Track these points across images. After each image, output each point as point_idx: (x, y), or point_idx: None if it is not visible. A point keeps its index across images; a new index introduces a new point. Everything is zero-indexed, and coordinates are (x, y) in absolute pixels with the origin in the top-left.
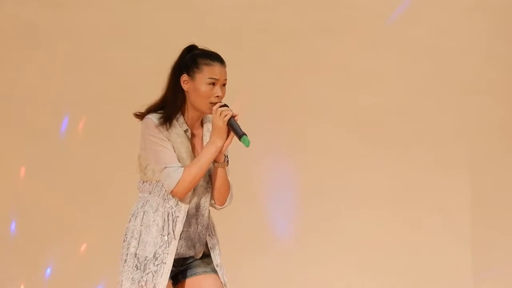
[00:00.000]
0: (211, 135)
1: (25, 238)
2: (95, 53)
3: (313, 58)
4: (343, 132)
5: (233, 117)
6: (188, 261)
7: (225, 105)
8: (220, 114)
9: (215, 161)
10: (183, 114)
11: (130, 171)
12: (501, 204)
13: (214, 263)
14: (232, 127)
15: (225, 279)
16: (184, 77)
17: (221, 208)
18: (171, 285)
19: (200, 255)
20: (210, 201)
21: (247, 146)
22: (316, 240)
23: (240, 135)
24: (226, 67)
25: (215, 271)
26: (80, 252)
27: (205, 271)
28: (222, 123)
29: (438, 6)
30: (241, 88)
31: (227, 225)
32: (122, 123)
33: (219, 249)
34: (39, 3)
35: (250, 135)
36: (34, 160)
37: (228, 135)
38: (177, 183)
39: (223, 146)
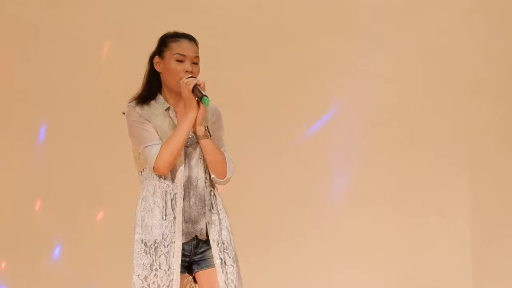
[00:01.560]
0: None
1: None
2: (95, 53)
3: (313, 58)
4: (343, 132)
5: (198, 85)
6: (201, 249)
7: (192, 77)
8: (185, 84)
9: (195, 134)
10: (162, 95)
11: (129, 170)
12: (501, 204)
13: (211, 238)
14: (195, 93)
15: (226, 269)
16: (156, 58)
17: (224, 182)
18: (184, 277)
19: (204, 234)
20: (206, 174)
21: (207, 106)
22: (315, 240)
23: (200, 97)
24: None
25: (231, 263)
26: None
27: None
28: (187, 92)
29: (438, 6)
30: (241, 88)
31: None
32: (122, 123)
33: (222, 226)
34: (39, 3)
35: (250, 135)
36: (34, 160)
37: (199, 105)
38: (156, 159)
39: (196, 116)
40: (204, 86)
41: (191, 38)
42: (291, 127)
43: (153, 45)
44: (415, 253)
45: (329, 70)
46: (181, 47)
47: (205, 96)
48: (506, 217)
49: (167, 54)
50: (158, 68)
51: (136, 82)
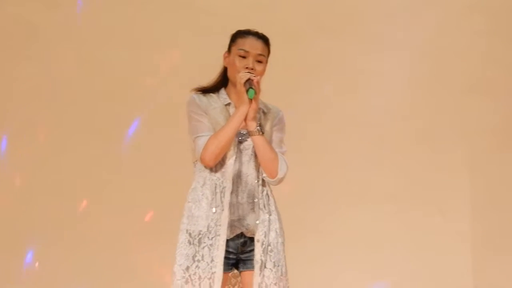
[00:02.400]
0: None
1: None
2: (94, 53)
3: (313, 58)
4: (343, 132)
5: (250, 80)
6: (249, 248)
7: (248, 73)
8: (239, 78)
9: (247, 129)
10: (226, 90)
11: (128, 169)
12: (501, 204)
13: (256, 238)
14: (245, 87)
15: (264, 272)
16: (225, 53)
17: (275, 182)
18: (227, 276)
19: (250, 231)
20: (259, 172)
21: (250, 98)
22: (315, 240)
23: (247, 89)
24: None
25: (271, 267)
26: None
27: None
28: (240, 86)
29: (438, 6)
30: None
31: None
32: (122, 123)
33: (271, 228)
34: (39, 3)
35: None
36: (34, 160)
37: (251, 101)
38: (202, 149)
39: (247, 111)
40: (258, 82)
41: (259, 36)
42: (290, 127)
43: (153, 45)
44: (415, 253)
45: (329, 70)
46: (246, 43)
47: (251, 88)
48: (506, 217)
49: (233, 49)
50: (225, 62)
51: (136, 82)
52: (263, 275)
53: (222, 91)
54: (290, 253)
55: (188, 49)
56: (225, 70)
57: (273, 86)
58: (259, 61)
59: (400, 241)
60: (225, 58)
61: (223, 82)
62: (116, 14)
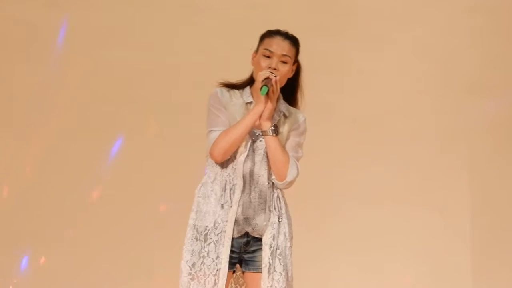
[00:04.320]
0: None
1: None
2: (94, 53)
3: (313, 58)
4: (343, 132)
5: (268, 78)
6: (252, 249)
7: (269, 73)
8: (258, 76)
9: (261, 129)
10: (251, 89)
11: (128, 168)
12: (501, 204)
13: (264, 241)
14: (262, 84)
15: (273, 276)
16: (253, 54)
17: (283, 185)
18: (231, 274)
19: (257, 232)
20: (270, 174)
21: (262, 94)
22: (315, 239)
23: (261, 86)
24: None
25: (280, 270)
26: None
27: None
28: (258, 84)
29: (438, 6)
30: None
31: None
32: (122, 122)
33: (281, 231)
34: (39, 3)
35: None
36: (33, 160)
37: (267, 101)
38: (213, 144)
39: (262, 110)
40: (276, 82)
41: (287, 36)
42: None
43: (153, 45)
44: (415, 253)
45: (329, 70)
46: (272, 43)
47: (265, 85)
48: (506, 217)
49: (260, 49)
50: (252, 62)
51: (135, 82)
52: (273, 279)
53: (247, 89)
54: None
55: (188, 49)
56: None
57: None
58: (284, 62)
59: (400, 241)
60: (252, 58)
61: (250, 81)
62: (115, 13)
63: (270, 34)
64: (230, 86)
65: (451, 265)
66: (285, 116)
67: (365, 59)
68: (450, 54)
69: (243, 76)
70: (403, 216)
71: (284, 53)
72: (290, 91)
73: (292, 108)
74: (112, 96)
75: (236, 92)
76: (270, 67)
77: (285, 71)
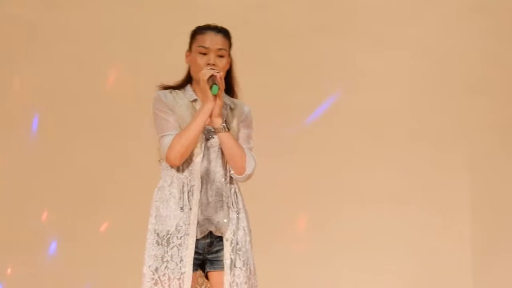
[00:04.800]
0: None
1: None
2: (94, 53)
3: (313, 57)
4: (343, 132)
5: (213, 76)
6: (215, 249)
7: (211, 69)
8: (202, 75)
9: (213, 126)
10: (192, 87)
11: (129, 168)
12: (501, 204)
13: (225, 237)
14: (209, 84)
15: (234, 271)
16: (186, 52)
17: (243, 178)
18: (196, 275)
19: (219, 230)
20: (226, 169)
21: (214, 94)
22: (315, 239)
23: (210, 85)
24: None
25: (241, 265)
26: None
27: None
28: (203, 83)
29: (438, 6)
30: (240, 87)
31: None
32: (121, 123)
33: (239, 226)
34: (39, 3)
35: None
36: (34, 159)
37: (216, 98)
38: (168, 149)
39: (212, 108)
40: (221, 77)
41: (218, 30)
42: (290, 126)
43: (152, 45)
44: (415, 253)
45: (329, 70)
46: (205, 39)
47: (215, 84)
48: (506, 217)
49: (193, 47)
50: (187, 61)
51: (135, 82)
52: (234, 274)
53: (188, 87)
54: (290, 253)
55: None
56: (189, 69)
57: (272, 86)
58: (221, 56)
59: (400, 241)
60: (187, 56)
61: (188, 80)
62: (115, 13)
63: (201, 30)
64: (170, 87)
65: (451, 265)
66: (231, 109)
67: (366, 58)
68: (450, 54)
69: (243, 75)
70: (403, 216)
71: (219, 47)
72: (227, 84)
73: (235, 100)
74: (112, 96)
75: (179, 92)
76: (209, 64)
77: (223, 64)
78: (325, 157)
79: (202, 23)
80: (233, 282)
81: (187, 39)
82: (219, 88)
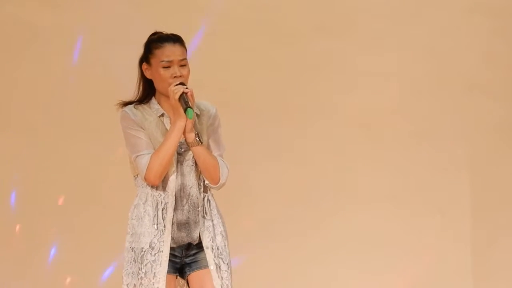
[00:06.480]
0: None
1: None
2: (94, 53)
3: (313, 58)
4: (343, 132)
5: (184, 93)
6: (193, 252)
7: (181, 84)
8: (172, 92)
9: (186, 142)
10: (156, 99)
11: (127, 170)
12: (501, 204)
13: (204, 245)
14: (181, 102)
15: (221, 274)
16: (144, 65)
17: (218, 187)
18: (175, 279)
19: (197, 240)
20: (200, 180)
21: (190, 118)
22: (315, 239)
23: (184, 108)
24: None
25: (225, 268)
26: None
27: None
28: (174, 101)
29: (438, 6)
30: (240, 88)
31: (227, 226)
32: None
33: (217, 232)
34: (39, 3)
35: (249, 135)
36: (33, 160)
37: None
38: (146, 170)
39: (185, 124)
40: (192, 94)
41: (175, 40)
42: (290, 127)
43: None
44: (415, 253)
45: (329, 70)
46: (165, 53)
47: (189, 107)
48: (506, 217)
49: (153, 61)
50: (147, 74)
51: (134, 82)
52: (222, 277)
53: (153, 100)
54: (290, 253)
55: (188, 49)
56: (145, 80)
57: (272, 86)
58: (183, 65)
59: (400, 241)
60: (145, 69)
61: (149, 91)
62: (115, 14)
63: (157, 43)
64: (136, 103)
65: (451, 265)
66: (198, 115)
67: (366, 59)
68: (450, 54)
69: (244, 75)
70: (403, 216)
71: (182, 57)
72: None
73: (200, 103)
74: (112, 96)
75: (145, 107)
76: (175, 76)
77: (187, 73)
78: (324, 157)
79: (202, 23)
80: (223, 284)
81: (188, 40)
82: (193, 110)
